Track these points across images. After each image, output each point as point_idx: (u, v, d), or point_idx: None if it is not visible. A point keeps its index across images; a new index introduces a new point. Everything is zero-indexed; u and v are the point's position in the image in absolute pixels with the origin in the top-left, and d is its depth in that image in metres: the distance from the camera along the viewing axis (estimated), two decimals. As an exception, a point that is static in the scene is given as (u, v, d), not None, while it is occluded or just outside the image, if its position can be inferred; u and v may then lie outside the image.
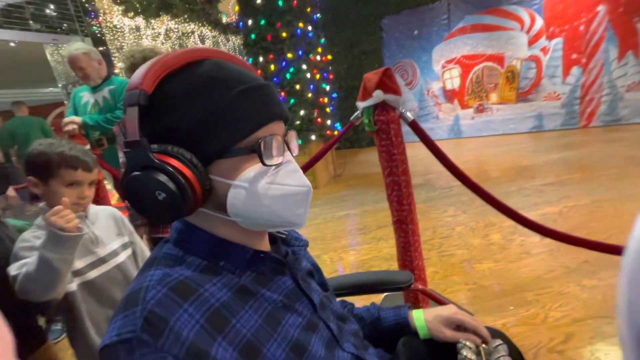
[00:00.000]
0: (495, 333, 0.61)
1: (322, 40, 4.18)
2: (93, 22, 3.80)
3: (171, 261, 0.39)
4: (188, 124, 0.37)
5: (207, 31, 5.61)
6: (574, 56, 5.17)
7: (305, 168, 1.58)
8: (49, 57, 3.76)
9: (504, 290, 1.60)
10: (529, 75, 5.55)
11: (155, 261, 0.39)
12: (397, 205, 1.30)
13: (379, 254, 2.18)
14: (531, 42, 5.42)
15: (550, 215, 2.33)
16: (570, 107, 5.37)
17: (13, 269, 0.78)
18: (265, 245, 0.47)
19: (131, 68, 1.36)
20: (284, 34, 3.67)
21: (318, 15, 4.15)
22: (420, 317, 0.61)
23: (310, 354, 0.41)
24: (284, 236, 0.53)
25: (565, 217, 2.29)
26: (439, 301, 0.78)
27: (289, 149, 0.43)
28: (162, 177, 0.35)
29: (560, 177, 3.14)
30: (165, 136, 0.38)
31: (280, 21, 3.65)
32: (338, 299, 0.69)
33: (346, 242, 2.50)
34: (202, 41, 5.70)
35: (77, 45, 2.07)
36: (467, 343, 0.54)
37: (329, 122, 4.25)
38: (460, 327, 0.60)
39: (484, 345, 0.56)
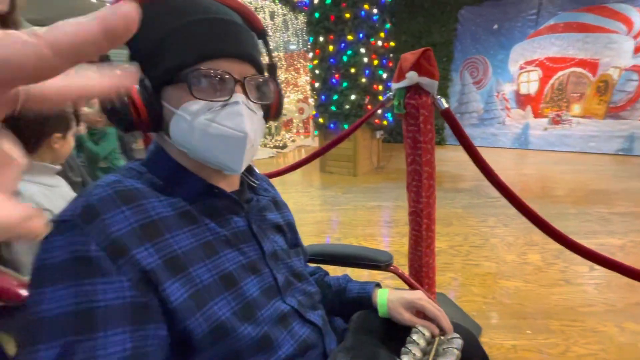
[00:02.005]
0: (463, 331, 0.56)
1: (388, 25, 4.01)
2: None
3: (130, 173, 0.43)
4: (143, 48, 0.40)
5: (277, 8, 5.75)
6: (694, 71, 4.30)
7: (327, 148, 1.56)
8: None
9: (525, 312, 1.45)
10: (627, 89, 4.74)
11: (118, 170, 0.43)
12: (414, 196, 1.23)
13: (400, 249, 2.11)
14: (639, 50, 4.60)
15: (608, 247, 2.02)
16: (676, 132, 4.51)
17: None
18: (229, 185, 0.49)
19: None
20: (347, 15, 3.60)
21: (388, -1, 3.98)
22: (383, 296, 0.59)
23: (241, 290, 0.43)
24: (254, 184, 0.54)
25: (628, 252, 1.97)
26: (413, 286, 0.74)
27: (246, 93, 0.42)
28: None
29: (638, 208, 2.69)
30: (132, 57, 0.41)
31: (346, 1, 3.58)
32: (314, 265, 0.69)
33: (371, 231, 2.46)
34: (272, 17, 5.87)
35: None
36: (422, 330, 0.51)
37: (379, 110, 4.12)
38: (426, 315, 0.57)
39: (441, 337, 0.52)
